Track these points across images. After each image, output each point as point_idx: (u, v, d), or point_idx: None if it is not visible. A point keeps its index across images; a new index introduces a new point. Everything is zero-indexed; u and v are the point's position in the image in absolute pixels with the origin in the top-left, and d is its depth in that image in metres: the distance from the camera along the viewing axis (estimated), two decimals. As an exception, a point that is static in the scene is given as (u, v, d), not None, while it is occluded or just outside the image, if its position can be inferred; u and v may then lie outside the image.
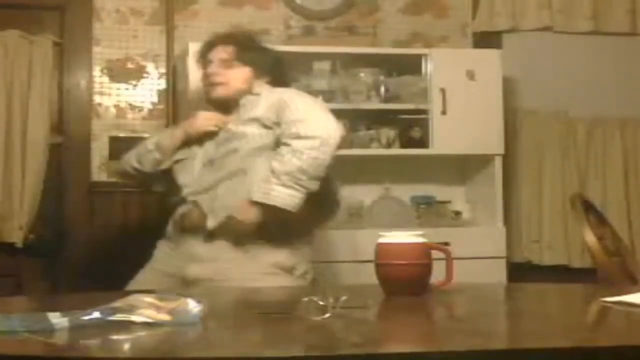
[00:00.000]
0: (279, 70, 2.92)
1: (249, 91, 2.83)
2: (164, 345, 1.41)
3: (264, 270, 2.64)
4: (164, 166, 2.88)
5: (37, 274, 3.84)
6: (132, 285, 2.73)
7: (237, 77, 2.82)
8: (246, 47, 2.90)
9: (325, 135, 2.63)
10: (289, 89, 2.90)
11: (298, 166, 2.58)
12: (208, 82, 2.85)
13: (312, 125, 2.64)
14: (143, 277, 2.78)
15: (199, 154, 2.82)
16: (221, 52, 2.87)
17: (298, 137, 2.61)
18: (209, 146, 2.81)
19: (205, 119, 2.85)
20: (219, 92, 2.83)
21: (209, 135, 2.82)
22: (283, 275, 2.67)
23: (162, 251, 2.82)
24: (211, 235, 2.68)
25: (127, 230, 3.94)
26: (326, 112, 2.73)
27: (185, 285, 2.62)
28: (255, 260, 2.65)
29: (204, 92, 2.89)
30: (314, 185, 2.61)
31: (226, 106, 2.85)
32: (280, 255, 2.69)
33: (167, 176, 2.87)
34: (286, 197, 2.58)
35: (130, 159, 2.98)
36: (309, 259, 2.80)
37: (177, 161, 2.86)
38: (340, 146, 2.69)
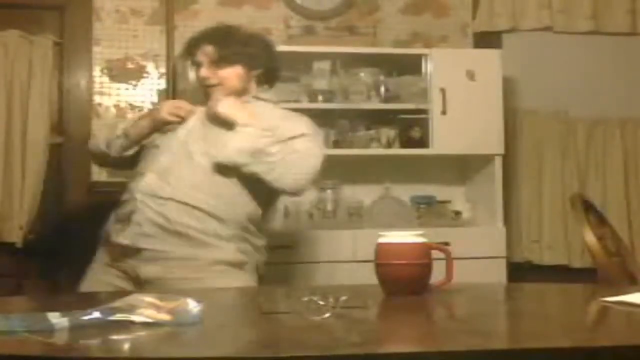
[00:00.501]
0: (268, 59, 2.86)
1: (246, 88, 2.80)
2: (164, 345, 1.41)
3: (215, 268, 2.60)
4: (129, 152, 2.84)
5: (37, 274, 3.84)
6: (85, 284, 2.72)
7: (229, 76, 2.79)
8: (229, 43, 2.83)
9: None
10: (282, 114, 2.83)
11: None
12: (204, 85, 2.83)
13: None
14: (96, 275, 2.73)
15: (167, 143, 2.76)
16: (206, 53, 2.81)
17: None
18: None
19: (169, 109, 2.80)
20: (215, 92, 2.80)
21: (173, 126, 2.77)
22: (234, 271, 2.62)
23: (111, 250, 2.73)
24: (152, 234, 2.62)
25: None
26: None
27: (139, 285, 2.58)
28: (203, 259, 2.60)
29: (204, 95, 2.87)
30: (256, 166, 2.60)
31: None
32: (226, 252, 2.64)
33: (135, 161, 2.84)
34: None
35: (99, 142, 2.96)
36: (254, 253, 2.73)
37: (146, 147, 2.81)
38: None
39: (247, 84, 2.81)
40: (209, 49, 2.81)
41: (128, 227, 2.64)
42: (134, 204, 2.65)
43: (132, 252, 2.62)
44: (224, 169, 2.64)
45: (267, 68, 2.85)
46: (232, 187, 2.66)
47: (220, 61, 2.78)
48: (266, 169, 2.58)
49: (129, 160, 2.87)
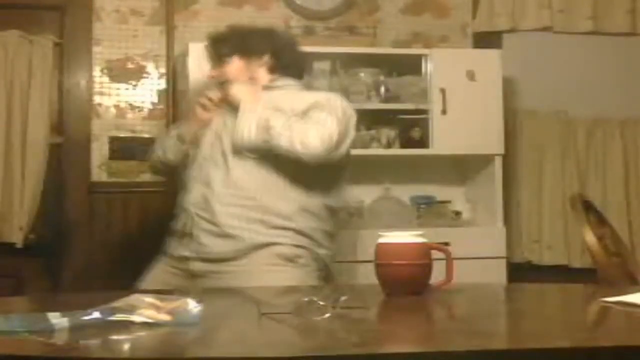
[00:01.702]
0: (270, 44, 2.82)
1: (254, 78, 2.79)
2: (164, 345, 1.41)
3: (267, 262, 2.60)
4: (184, 158, 2.85)
5: (37, 274, 3.84)
6: (146, 280, 2.73)
7: (230, 70, 2.80)
8: (225, 40, 2.85)
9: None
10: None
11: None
12: (217, 86, 2.84)
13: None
14: (156, 271, 2.77)
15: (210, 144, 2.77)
16: (209, 55, 2.85)
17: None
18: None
19: (201, 107, 2.82)
20: (225, 90, 2.81)
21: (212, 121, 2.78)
22: (284, 266, 2.62)
23: (173, 245, 2.79)
24: (220, 228, 2.65)
25: (127, 230, 3.94)
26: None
27: (192, 279, 2.62)
28: (257, 254, 2.62)
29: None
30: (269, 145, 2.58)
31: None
32: (281, 246, 2.63)
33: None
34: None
35: (157, 150, 2.97)
36: (312, 247, 2.70)
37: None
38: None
39: (252, 72, 2.79)
40: (210, 50, 2.84)
41: (186, 240, 2.69)
42: (188, 217, 2.70)
43: (185, 260, 2.69)
44: (260, 162, 2.63)
45: (274, 54, 2.80)
46: (276, 179, 2.64)
47: (220, 58, 2.80)
48: (276, 134, 2.54)
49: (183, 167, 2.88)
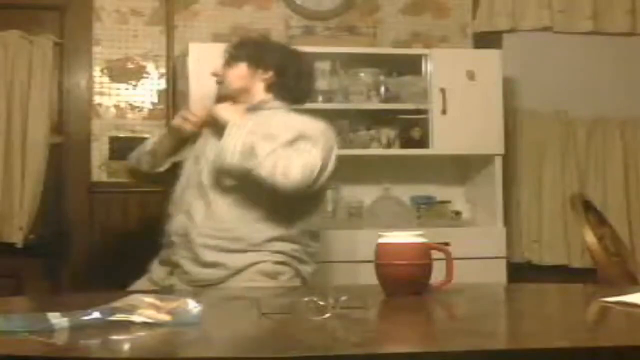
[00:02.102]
0: (280, 62, 2.80)
1: (249, 89, 2.79)
2: (164, 345, 1.42)
3: (248, 277, 2.61)
4: (159, 169, 2.87)
5: (37, 274, 3.84)
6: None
7: (233, 74, 2.79)
8: (243, 45, 2.86)
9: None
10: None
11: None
12: (216, 84, 2.85)
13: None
14: (138, 287, 2.76)
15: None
16: (226, 53, 2.85)
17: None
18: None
19: (180, 114, 2.83)
20: (219, 90, 2.82)
21: (195, 135, 2.79)
22: (266, 282, 2.63)
23: (157, 268, 2.78)
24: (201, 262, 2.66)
25: (127, 230, 3.94)
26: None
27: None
28: (241, 275, 2.63)
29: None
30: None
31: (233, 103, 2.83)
32: (263, 263, 2.65)
33: (171, 174, 2.86)
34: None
35: (131, 159, 2.98)
36: (293, 263, 2.72)
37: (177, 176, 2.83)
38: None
39: (250, 83, 2.77)
40: (227, 50, 2.84)
41: (171, 268, 2.71)
42: (172, 247, 2.71)
43: (174, 271, 2.70)
44: (239, 194, 2.63)
45: (278, 72, 2.77)
46: (256, 211, 2.64)
47: (230, 60, 2.80)
48: (257, 163, 2.53)
49: (164, 176, 2.89)
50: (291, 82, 2.80)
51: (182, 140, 2.83)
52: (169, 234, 2.74)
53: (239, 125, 2.61)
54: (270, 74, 2.77)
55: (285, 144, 2.57)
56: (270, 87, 2.78)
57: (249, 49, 2.83)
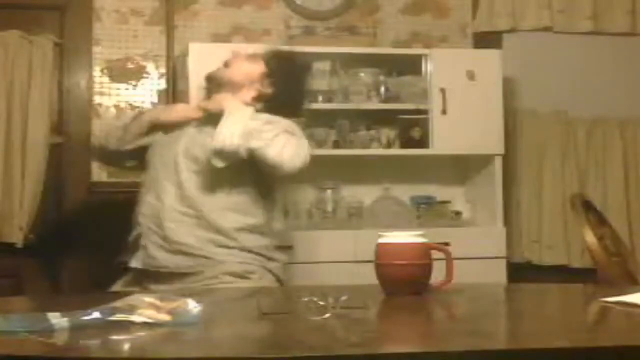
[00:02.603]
0: (285, 89, 2.83)
1: (242, 85, 2.79)
2: (164, 345, 1.41)
3: (219, 280, 2.61)
4: (127, 146, 2.88)
5: (37, 274, 3.84)
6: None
7: (247, 67, 2.80)
8: (276, 54, 2.90)
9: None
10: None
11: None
12: (223, 63, 2.84)
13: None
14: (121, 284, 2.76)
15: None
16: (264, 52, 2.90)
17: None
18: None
19: (183, 111, 2.84)
20: (221, 72, 2.81)
21: (180, 127, 2.80)
22: (239, 282, 2.63)
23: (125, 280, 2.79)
24: (169, 244, 2.66)
25: (126, 230, 3.93)
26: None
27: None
28: (209, 272, 2.63)
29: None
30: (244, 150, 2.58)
31: (213, 90, 2.83)
32: (230, 264, 2.65)
33: (137, 156, 2.88)
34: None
35: (100, 136, 3.03)
36: (263, 262, 2.72)
37: (147, 160, 2.84)
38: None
39: (249, 83, 2.79)
40: (267, 50, 2.90)
41: (137, 251, 2.72)
42: (139, 228, 2.73)
43: (142, 275, 2.69)
44: (215, 178, 2.65)
45: (277, 94, 2.80)
46: (226, 198, 2.67)
47: (256, 56, 2.84)
48: (263, 144, 2.56)
49: (127, 156, 2.90)
50: (281, 109, 2.80)
51: (158, 125, 2.85)
52: (138, 217, 2.74)
53: (240, 111, 2.64)
54: (270, 91, 2.81)
55: (284, 131, 2.64)
56: (259, 99, 2.80)
57: (277, 60, 2.85)
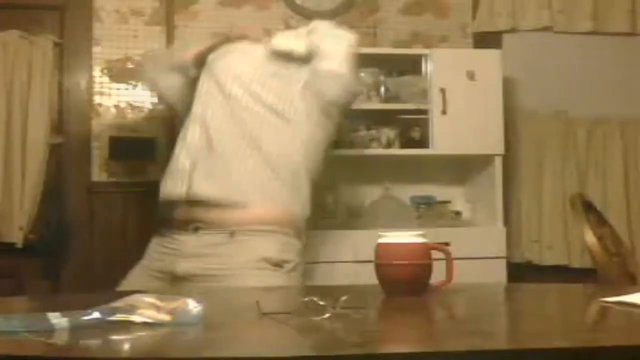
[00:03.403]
0: None
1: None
2: (164, 345, 1.41)
3: (252, 265, 2.54)
4: (177, 68, 2.83)
5: (37, 274, 3.85)
6: (124, 284, 2.65)
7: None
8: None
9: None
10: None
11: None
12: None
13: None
14: (134, 276, 2.71)
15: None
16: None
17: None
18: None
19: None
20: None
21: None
22: (272, 270, 2.56)
23: (153, 248, 2.72)
24: (198, 229, 2.59)
25: (127, 230, 3.94)
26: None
27: (175, 282, 2.55)
28: (242, 255, 2.54)
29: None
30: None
31: None
32: (268, 249, 2.57)
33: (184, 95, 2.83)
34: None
35: (146, 59, 2.99)
36: (298, 253, 2.65)
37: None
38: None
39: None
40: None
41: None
42: (168, 207, 2.65)
43: (170, 248, 2.62)
44: (263, 163, 2.60)
45: None
46: (272, 181, 2.61)
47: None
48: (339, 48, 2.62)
49: (175, 86, 2.85)
50: None
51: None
52: (164, 195, 2.67)
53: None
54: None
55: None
56: None
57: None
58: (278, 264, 2.59)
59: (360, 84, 2.57)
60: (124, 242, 3.86)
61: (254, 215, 2.57)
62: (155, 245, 2.72)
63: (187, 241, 2.60)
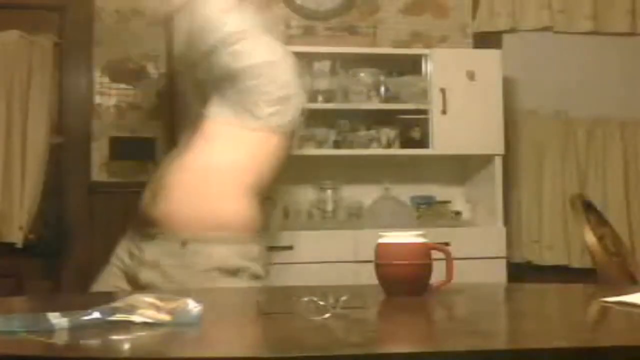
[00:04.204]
0: None
1: None
2: (164, 345, 1.41)
3: (208, 275, 2.44)
4: None
5: (37, 274, 3.85)
6: (96, 285, 2.60)
7: None
8: None
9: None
10: None
11: None
12: None
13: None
14: (105, 277, 2.68)
15: None
16: None
17: None
18: None
19: None
20: None
21: None
22: (229, 278, 2.46)
23: (121, 249, 2.66)
24: (152, 235, 2.53)
25: (127, 230, 3.93)
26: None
27: (139, 289, 2.53)
28: (198, 264, 2.46)
29: None
30: None
31: None
32: (222, 257, 2.48)
33: None
34: None
35: None
36: (254, 258, 2.54)
37: None
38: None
39: None
40: None
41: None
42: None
43: (134, 255, 2.59)
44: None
45: None
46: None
47: None
48: None
49: None
50: None
51: None
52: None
53: None
54: None
55: None
56: None
57: None
58: (232, 272, 2.49)
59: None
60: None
61: (208, 222, 2.51)
62: (123, 248, 2.67)
63: (146, 248, 2.56)
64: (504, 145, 3.99)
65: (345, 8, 4.25)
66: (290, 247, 3.64)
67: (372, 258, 2.01)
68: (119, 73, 4.04)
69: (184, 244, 2.50)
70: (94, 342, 1.38)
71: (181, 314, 1.48)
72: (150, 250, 2.53)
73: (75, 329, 1.41)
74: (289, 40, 4.06)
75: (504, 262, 3.89)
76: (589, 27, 4.41)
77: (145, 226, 2.57)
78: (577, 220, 3.24)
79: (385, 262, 1.97)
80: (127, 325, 1.44)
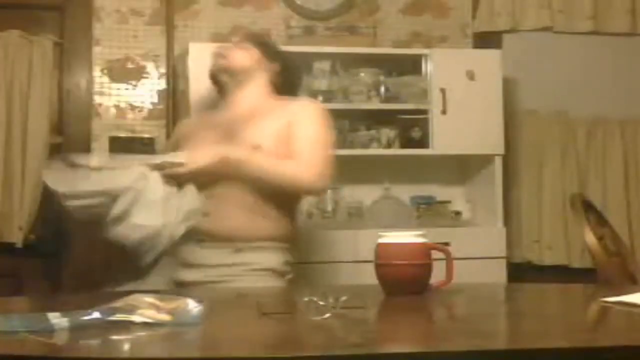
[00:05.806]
0: (286, 61, 2.84)
1: (251, 71, 2.76)
2: (164, 346, 1.41)
3: (258, 273, 2.58)
4: None
5: (37, 274, 3.84)
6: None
7: (243, 54, 2.77)
8: (253, 36, 2.94)
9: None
10: None
11: None
12: (214, 57, 2.81)
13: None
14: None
15: None
16: (236, 39, 2.94)
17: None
18: None
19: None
20: (220, 62, 2.77)
21: None
22: (275, 278, 2.61)
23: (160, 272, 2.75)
24: (203, 240, 2.61)
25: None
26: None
27: (178, 287, 2.58)
28: (249, 264, 2.59)
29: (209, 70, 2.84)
30: None
31: (225, 85, 2.78)
32: (273, 261, 2.63)
33: None
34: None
35: None
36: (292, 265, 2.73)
37: None
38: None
39: (256, 67, 2.77)
40: (235, 38, 2.92)
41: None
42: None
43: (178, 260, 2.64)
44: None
45: (283, 67, 2.81)
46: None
47: (241, 43, 2.83)
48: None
49: None
50: (290, 77, 2.86)
51: None
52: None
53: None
54: (275, 65, 2.81)
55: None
56: (273, 80, 2.80)
57: (260, 40, 2.89)
58: (281, 274, 2.64)
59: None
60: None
61: (256, 232, 2.62)
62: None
63: (192, 251, 2.62)
64: (504, 145, 3.99)
65: (345, 8, 4.24)
66: (290, 247, 3.64)
67: (372, 258, 2.01)
68: (119, 73, 4.04)
69: (237, 250, 2.58)
70: (94, 342, 1.38)
71: (181, 314, 1.48)
72: (196, 254, 2.61)
73: (75, 329, 1.41)
74: (289, 40, 4.07)
75: (504, 262, 3.89)
76: (589, 27, 4.41)
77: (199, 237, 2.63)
78: (577, 220, 3.24)
79: (385, 262, 1.97)
80: (127, 325, 1.44)
